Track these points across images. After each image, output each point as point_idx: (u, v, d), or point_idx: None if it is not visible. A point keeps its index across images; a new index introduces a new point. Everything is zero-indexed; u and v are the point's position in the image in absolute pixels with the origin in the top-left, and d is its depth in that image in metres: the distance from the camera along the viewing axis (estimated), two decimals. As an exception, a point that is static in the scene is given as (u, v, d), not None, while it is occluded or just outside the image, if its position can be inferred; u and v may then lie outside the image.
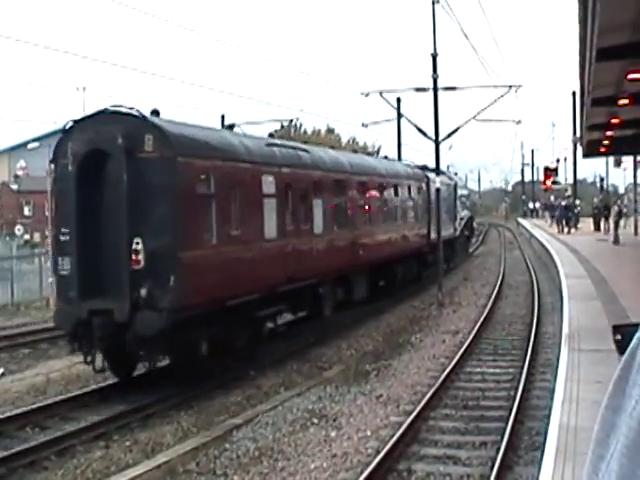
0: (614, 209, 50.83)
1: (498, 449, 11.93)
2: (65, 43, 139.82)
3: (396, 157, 46.97)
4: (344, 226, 26.47)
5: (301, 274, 21.77)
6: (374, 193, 30.16)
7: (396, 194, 33.47)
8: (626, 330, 3.29)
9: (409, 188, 35.73)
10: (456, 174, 60.74)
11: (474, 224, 68.79)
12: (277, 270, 20.43)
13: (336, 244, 25.32)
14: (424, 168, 40.58)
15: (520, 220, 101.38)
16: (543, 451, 9.69)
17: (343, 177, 26.71)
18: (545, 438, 10.23)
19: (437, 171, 32.77)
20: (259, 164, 20.26)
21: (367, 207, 29.17)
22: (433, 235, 35.58)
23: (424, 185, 37.77)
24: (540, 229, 68.43)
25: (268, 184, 20.51)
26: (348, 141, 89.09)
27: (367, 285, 28.93)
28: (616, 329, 3.31)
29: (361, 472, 11.22)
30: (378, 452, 12.13)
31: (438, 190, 32.66)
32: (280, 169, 21.43)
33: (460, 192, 54.28)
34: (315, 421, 14.89)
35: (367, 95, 34.43)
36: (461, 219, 52.36)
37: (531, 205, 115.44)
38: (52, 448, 13.45)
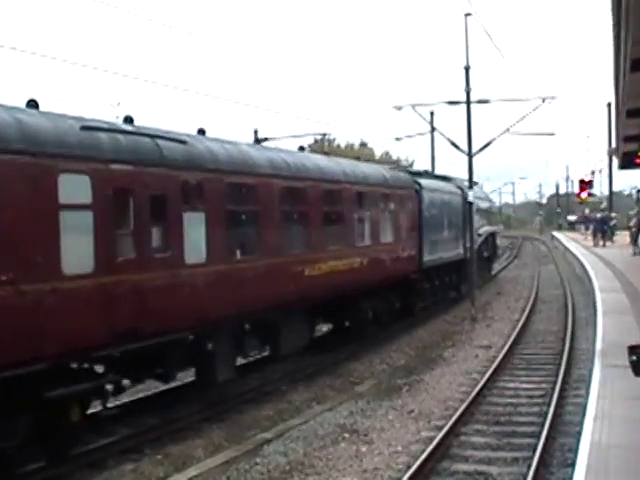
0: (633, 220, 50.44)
1: (530, 465, 11.85)
2: (100, 60, 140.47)
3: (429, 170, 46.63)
4: (258, 251, 18.60)
5: (152, 325, 14.59)
6: (318, 205, 21.78)
7: (361, 206, 24.88)
8: None
9: (387, 198, 27.16)
10: (476, 184, 50.99)
11: (497, 241, 55.57)
12: (91, 322, 13.21)
13: (238, 275, 17.51)
14: (416, 173, 34.50)
15: (555, 233, 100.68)
16: (574, 468, 9.61)
17: (254, 181, 18.53)
18: (576, 455, 10.14)
19: (470, 185, 32.55)
20: (52, 158, 12.87)
21: (306, 223, 21.20)
22: (427, 257, 30.47)
23: (414, 194, 29.84)
24: (575, 242, 67.93)
25: (73, 188, 13.14)
26: (381, 155, 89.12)
27: (307, 330, 21.95)
28: (632, 350, 3.27)
29: (391, 488, 11.18)
30: (409, 467, 12.08)
31: (471, 204, 32.42)
32: (107, 166, 13.88)
33: (477, 204, 41.76)
34: (346, 436, 14.87)
35: (400, 109, 34.36)
36: (479, 235, 42.17)
37: (570, 217, 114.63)
38: (83, 460, 13.50)
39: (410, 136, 49.57)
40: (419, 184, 30.70)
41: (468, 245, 36.05)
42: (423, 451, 12.84)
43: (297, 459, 13.51)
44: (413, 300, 29.98)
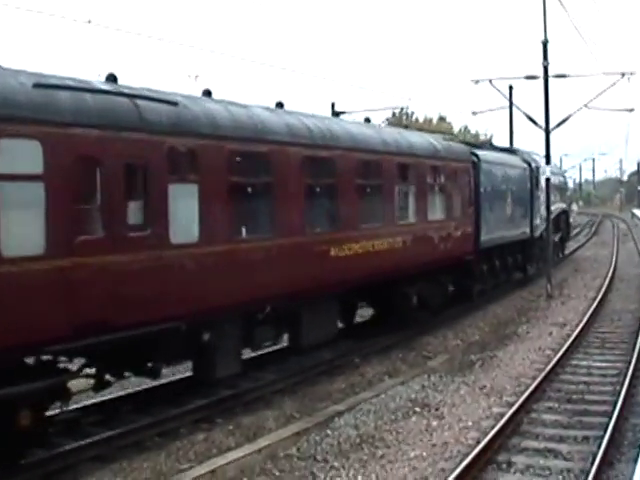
0: None
1: (600, 444, 11.81)
2: (177, 33, 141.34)
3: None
4: (270, 230, 16.27)
5: (129, 316, 12.52)
6: (348, 177, 19.08)
7: (405, 179, 22.50)
8: None
9: (437, 170, 24.54)
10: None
11: (570, 219, 50.28)
12: (43, 312, 11.13)
13: (244, 258, 15.24)
14: (474, 145, 32.41)
15: (635, 211, 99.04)
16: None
17: (266, 149, 16.16)
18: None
19: (547, 160, 32.17)
20: None
21: (333, 198, 18.69)
22: (486, 236, 27.93)
23: (470, 167, 27.04)
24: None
25: (17, 156, 11.01)
26: (460, 129, 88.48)
27: (335, 318, 19.79)
28: None
29: (460, 462, 11.24)
30: (478, 443, 12.12)
31: (548, 180, 32.02)
32: (66, 130, 11.68)
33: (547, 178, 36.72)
34: (417, 410, 14.94)
35: (477, 83, 34.17)
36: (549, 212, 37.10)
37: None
38: (155, 429, 13.74)
39: (488, 110, 49.22)
40: (477, 156, 28.25)
41: (537, 222, 35.17)
42: (493, 427, 12.86)
43: (367, 432, 13.62)
44: (470, 283, 27.71)
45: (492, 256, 29.79)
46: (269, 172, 16.27)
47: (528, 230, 34.55)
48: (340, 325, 21.08)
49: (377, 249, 20.09)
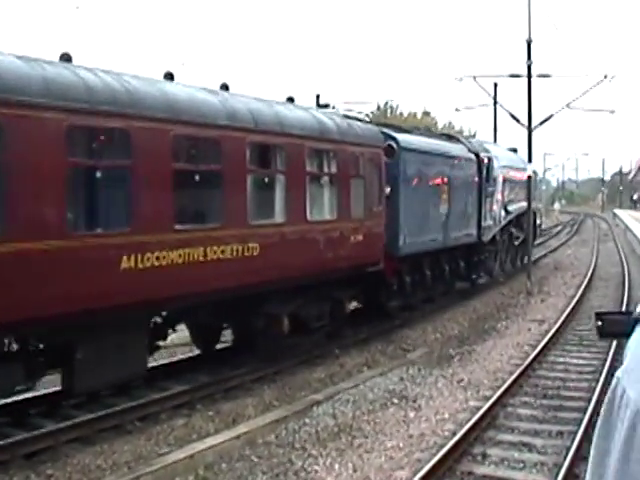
0: None
1: (574, 439, 12.00)
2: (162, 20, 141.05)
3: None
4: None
5: None
6: (161, 157, 13.63)
7: (266, 165, 17.16)
8: (606, 317, 3.58)
9: (327, 156, 19.07)
10: (515, 150, 39.05)
11: (538, 221, 43.31)
12: None
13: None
14: (395, 128, 25.73)
15: (617, 211, 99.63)
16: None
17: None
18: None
19: (529, 158, 32.39)
20: None
21: (134, 185, 13.06)
22: (407, 241, 22.65)
23: (381, 154, 21.35)
24: (637, 221, 67.21)
25: None
26: (444, 125, 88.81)
27: (145, 351, 14.67)
28: (598, 316, 3.62)
29: (436, 453, 11.40)
30: (454, 434, 12.29)
31: (529, 178, 32.22)
32: None
33: (503, 172, 33.41)
34: (395, 401, 15.09)
35: (461, 80, 34.39)
36: (507, 212, 34.05)
37: (635, 196, 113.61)
38: (136, 413, 13.82)
39: (470, 107, 49.47)
40: (395, 140, 22.63)
41: (487, 224, 30.62)
42: (469, 420, 13.04)
43: (345, 422, 13.77)
44: (384, 298, 22.84)
45: (421, 264, 24.94)
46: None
47: (474, 232, 29.63)
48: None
49: (212, 258, 14.64)
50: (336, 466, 11.43)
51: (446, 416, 13.81)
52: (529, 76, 31.48)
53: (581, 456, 11.47)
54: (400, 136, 23.35)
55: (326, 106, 23.74)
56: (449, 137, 31.03)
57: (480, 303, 28.59)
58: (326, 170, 19.07)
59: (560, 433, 12.81)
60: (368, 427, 13.41)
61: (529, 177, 32.02)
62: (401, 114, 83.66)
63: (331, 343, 20.00)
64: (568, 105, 34.13)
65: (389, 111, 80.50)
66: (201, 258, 14.39)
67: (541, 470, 11.18)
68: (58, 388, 13.79)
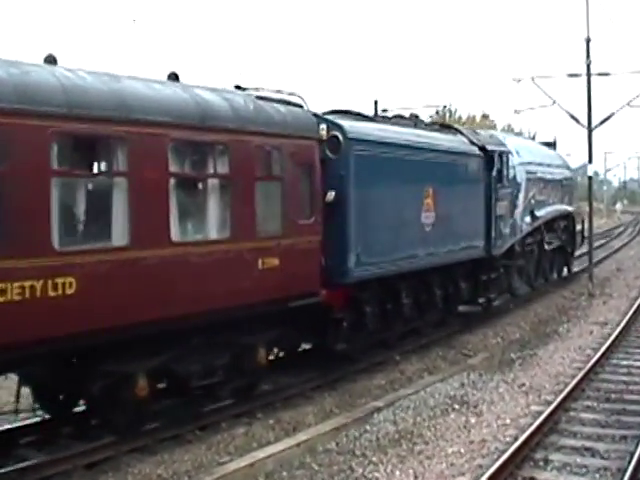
0: None
1: (638, 444, 11.82)
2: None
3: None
4: None
5: None
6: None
7: (89, 163, 12.38)
8: None
9: (207, 152, 13.72)
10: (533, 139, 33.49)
11: (578, 227, 35.91)
12: None
13: None
14: (343, 112, 18.76)
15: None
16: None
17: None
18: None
19: (590, 159, 32.00)
20: None
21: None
22: (355, 262, 17.04)
23: (315, 149, 16.05)
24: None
25: None
26: (503, 127, 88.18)
27: None
28: None
29: (497, 458, 11.30)
30: (516, 440, 12.18)
31: (590, 178, 31.83)
32: None
33: (527, 170, 28.32)
34: (456, 407, 15.02)
35: (519, 81, 34.05)
36: (534, 218, 28.60)
37: None
38: (196, 423, 13.89)
39: (530, 109, 49.01)
40: (341, 130, 17.00)
41: (504, 232, 25.11)
42: (531, 425, 12.91)
43: (406, 428, 13.72)
44: (330, 339, 17.45)
45: (396, 289, 19.50)
46: None
47: (481, 244, 23.82)
48: None
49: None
50: (397, 473, 11.40)
51: (507, 421, 13.68)
52: (588, 75, 31.16)
53: (645, 460, 11.33)
54: (349, 124, 17.50)
55: (384, 111, 23.32)
56: (446, 127, 25.26)
57: (541, 306, 28.32)
58: (211, 170, 13.73)
59: (624, 437, 12.63)
60: (429, 433, 13.35)
61: (590, 178, 31.53)
62: (460, 117, 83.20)
63: (391, 350, 19.95)
64: (629, 103, 33.66)
65: (447, 115, 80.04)
66: None
67: (604, 475, 11.02)
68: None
